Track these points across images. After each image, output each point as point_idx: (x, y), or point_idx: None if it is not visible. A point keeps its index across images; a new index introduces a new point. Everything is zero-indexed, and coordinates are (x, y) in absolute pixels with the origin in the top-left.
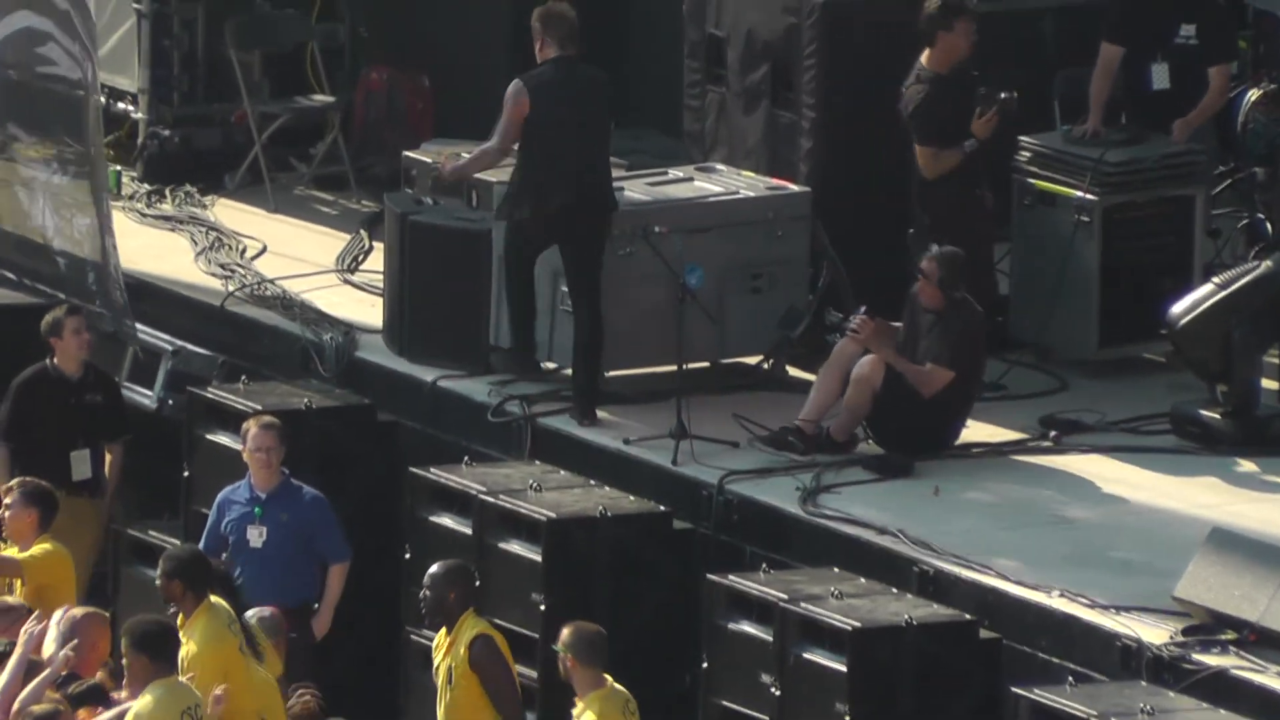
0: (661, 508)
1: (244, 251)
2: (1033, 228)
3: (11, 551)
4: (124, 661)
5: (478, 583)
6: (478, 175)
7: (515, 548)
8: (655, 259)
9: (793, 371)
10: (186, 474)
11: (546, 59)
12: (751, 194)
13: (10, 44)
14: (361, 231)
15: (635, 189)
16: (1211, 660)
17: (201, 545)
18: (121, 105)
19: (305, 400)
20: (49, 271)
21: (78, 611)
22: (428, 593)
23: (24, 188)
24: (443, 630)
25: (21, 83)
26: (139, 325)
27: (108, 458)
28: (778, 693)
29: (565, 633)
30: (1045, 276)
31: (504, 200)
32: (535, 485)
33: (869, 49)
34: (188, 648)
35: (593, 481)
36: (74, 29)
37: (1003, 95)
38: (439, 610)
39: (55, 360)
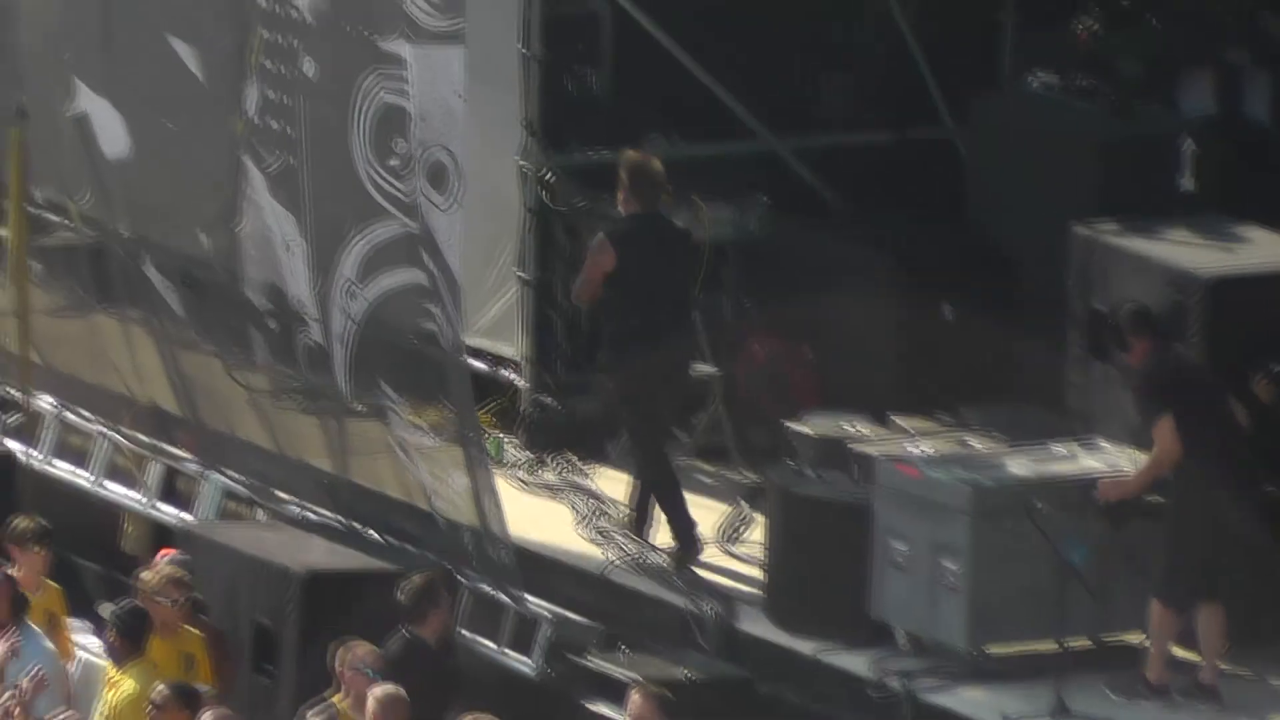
0: None
1: (625, 520)
2: None
3: None
4: None
5: None
6: (855, 446)
7: None
8: (1036, 535)
9: None
10: None
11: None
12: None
13: (393, 301)
14: (742, 503)
15: (1017, 464)
16: None
17: None
18: (504, 372)
19: (685, 672)
20: (429, 534)
21: None
22: None
23: (399, 449)
24: None
25: (397, 345)
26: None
27: None
28: None
29: None
30: None
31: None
32: None
33: (1260, 325)
34: None
35: None
36: (444, 293)
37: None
38: None
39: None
